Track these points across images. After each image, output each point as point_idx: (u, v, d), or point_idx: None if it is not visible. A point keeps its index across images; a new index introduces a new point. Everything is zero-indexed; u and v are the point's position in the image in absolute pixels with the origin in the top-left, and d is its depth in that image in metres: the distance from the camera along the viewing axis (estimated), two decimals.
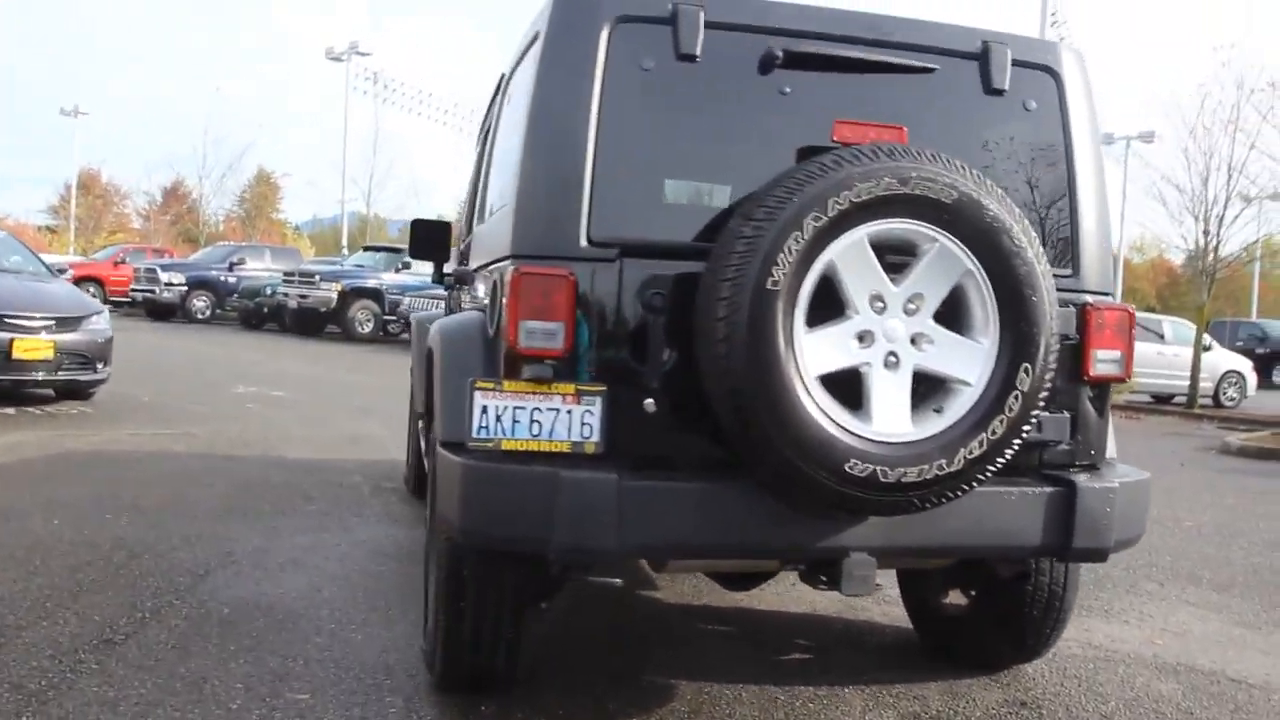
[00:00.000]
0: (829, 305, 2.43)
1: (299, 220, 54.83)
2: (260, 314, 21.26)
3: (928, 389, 2.50)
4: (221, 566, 4.26)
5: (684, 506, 2.53)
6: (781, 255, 2.33)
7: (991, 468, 2.48)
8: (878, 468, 2.38)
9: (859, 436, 2.39)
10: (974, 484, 2.49)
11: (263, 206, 49.86)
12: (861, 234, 2.41)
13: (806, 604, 4.12)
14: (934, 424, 2.46)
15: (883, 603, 4.18)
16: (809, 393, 2.37)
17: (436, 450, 2.74)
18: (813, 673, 3.39)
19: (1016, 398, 2.46)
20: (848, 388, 2.45)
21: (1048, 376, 2.50)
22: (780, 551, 2.65)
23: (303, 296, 19.52)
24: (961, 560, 3.01)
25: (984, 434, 2.45)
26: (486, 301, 2.82)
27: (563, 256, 2.56)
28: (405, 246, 23.86)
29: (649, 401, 2.58)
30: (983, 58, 2.84)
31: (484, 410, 2.50)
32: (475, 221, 4.20)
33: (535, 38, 2.81)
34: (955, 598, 3.51)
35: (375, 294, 20.03)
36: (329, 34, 64.41)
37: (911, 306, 2.47)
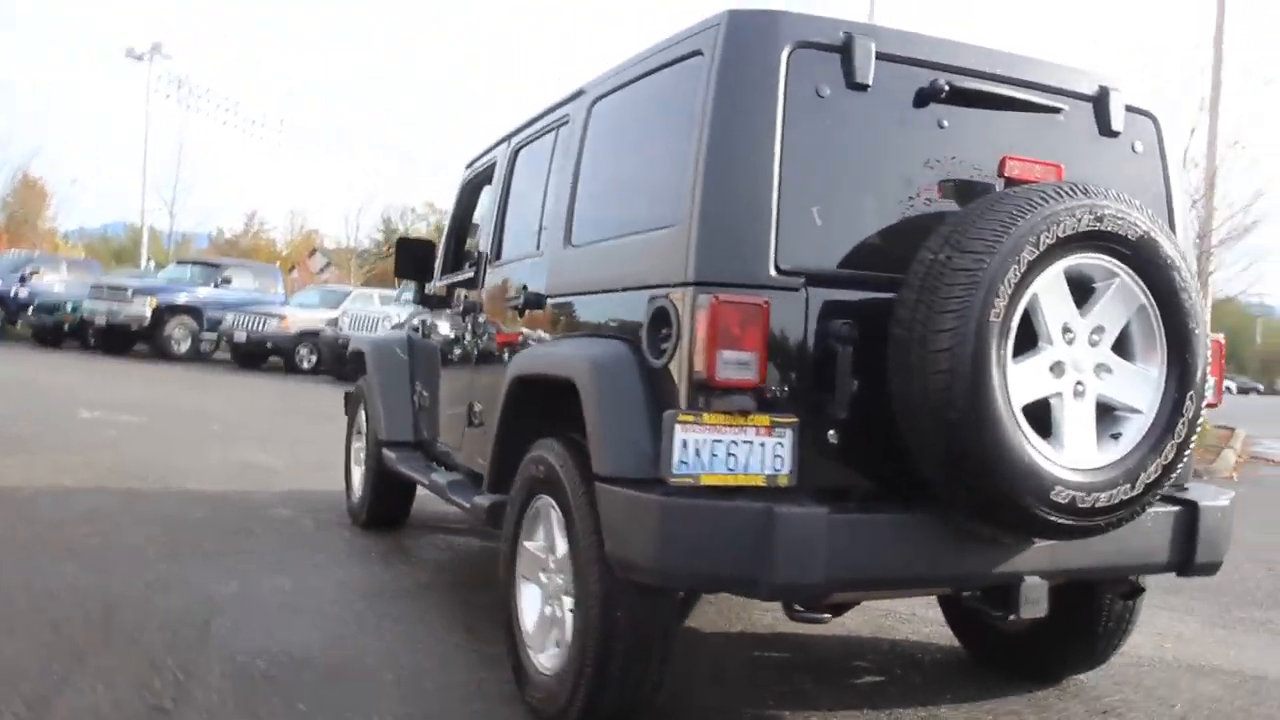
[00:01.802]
0: (1025, 336, 2.49)
1: (64, 229, 50.51)
2: (59, 331, 19.53)
3: (1103, 417, 2.60)
4: (215, 614, 3.88)
5: (882, 539, 2.52)
6: (1001, 287, 2.36)
7: (1160, 491, 2.60)
8: (1077, 494, 2.45)
9: (1057, 464, 2.46)
10: (1147, 507, 2.60)
11: (28, 214, 45.73)
12: (1060, 267, 2.48)
13: (823, 628, 4.16)
14: (1114, 451, 2.55)
15: (908, 621, 4.28)
16: (1017, 423, 2.41)
17: (597, 487, 2.61)
18: (898, 695, 3.42)
19: (1183, 424, 2.59)
20: (1036, 417, 2.51)
21: (1203, 403, 2.65)
22: (963, 579, 2.68)
23: (113, 312, 18.08)
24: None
25: (1158, 459, 2.56)
26: (639, 328, 2.70)
27: (753, 285, 2.50)
28: (222, 260, 22.66)
29: (831, 432, 2.56)
30: (1099, 100, 2.98)
31: (684, 444, 2.41)
32: (504, 245, 4.04)
33: (689, 55, 2.74)
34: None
35: (193, 310, 18.82)
36: (131, 29, 59.39)
37: (1095, 338, 2.56)
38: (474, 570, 4.91)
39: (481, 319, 4.03)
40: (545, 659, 3.03)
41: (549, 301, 3.36)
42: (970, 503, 2.46)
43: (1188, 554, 2.86)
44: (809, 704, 3.31)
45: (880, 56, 2.66)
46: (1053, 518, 2.44)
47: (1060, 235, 2.43)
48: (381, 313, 17.05)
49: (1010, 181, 2.69)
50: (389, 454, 5.09)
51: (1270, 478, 12.12)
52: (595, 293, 3.04)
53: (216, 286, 19.44)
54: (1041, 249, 2.41)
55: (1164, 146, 3.11)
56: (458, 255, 4.93)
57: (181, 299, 18.91)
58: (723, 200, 2.54)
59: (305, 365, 18.45)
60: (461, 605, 4.23)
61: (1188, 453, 2.62)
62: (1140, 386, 2.59)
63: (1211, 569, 2.93)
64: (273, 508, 6.06)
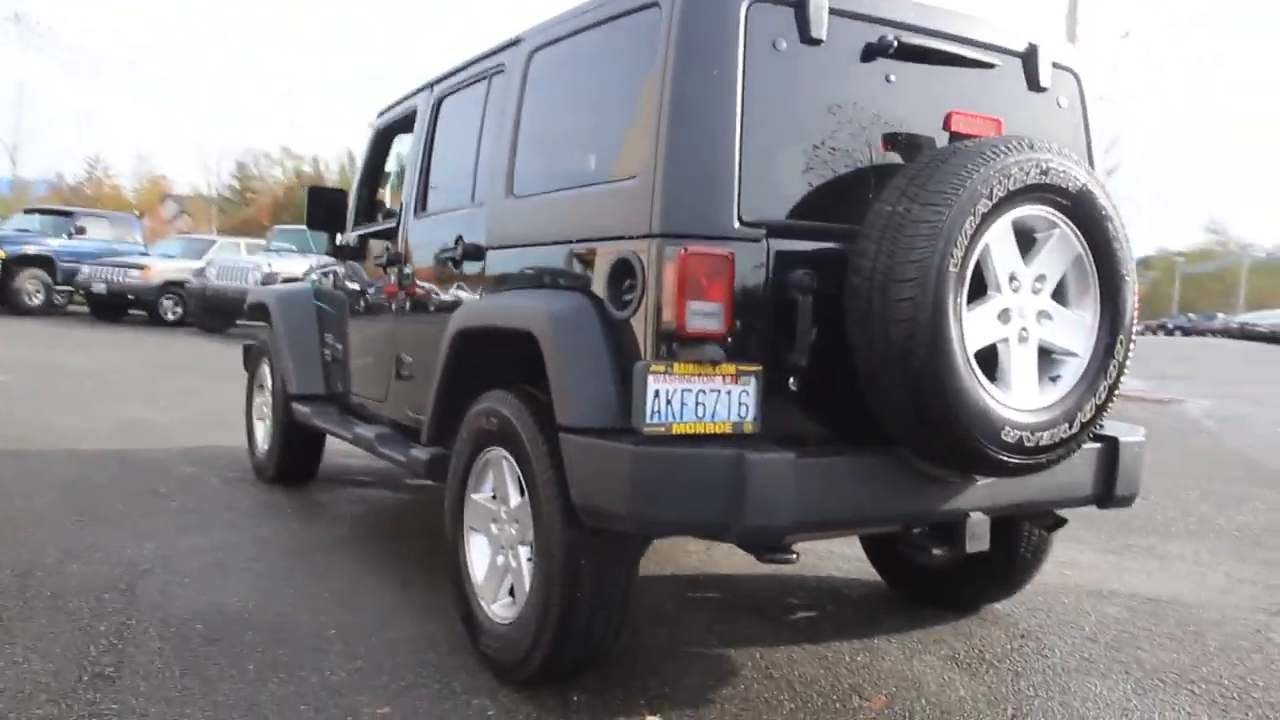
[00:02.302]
0: (975, 285, 2.60)
1: None
2: None
3: (1042, 360, 2.74)
4: (138, 578, 3.77)
5: (843, 481, 2.61)
6: (959, 238, 2.46)
7: (1094, 429, 2.78)
8: (1023, 434, 2.59)
9: (1005, 407, 2.59)
10: (1082, 444, 2.77)
11: None
12: (1009, 219, 2.59)
13: (750, 566, 4.30)
14: (1054, 392, 2.70)
15: (827, 559, 4.46)
16: (972, 369, 2.53)
17: (562, 438, 2.63)
18: (833, 630, 3.57)
19: (1114, 365, 2.76)
20: (983, 361, 2.63)
21: (1131, 346, 2.82)
22: (914, 517, 2.80)
23: None
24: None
25: (1093, 399, 2.73)
26: (598, 279, 2.71)
27: (718, 236, 2.53)
28: (75, 209, 21.37)
29: (791, 380, 2.63)
30: (1028, 56, 3.10)
31: (656, 394, 2.45)
32: (429, 196, 3.97)
33: (643, 7, 2.73)
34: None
35: (46, 262, 17.79)
36: None
37: (1038, 285, 2.69)
38: (393, 523, 4.87)
39: (408, 270, 3.96)
40: (499, 608, 3.06)
41: (489, 253, 3.34)
42: (927, 445, 2.57)
43: (1109, 487, 3.06)
44: (750, 641, 3.43)
45: (832, 11, 2.71)
46: (1002, 457, 2.57)
47: (1010, 188, 2.53)
48: (251, 263, 16.45)
49: (955, 136, 2.78)
50: (300, 408, 4.98)
51: (1127, 411, 12.90)
52: (544, 244, 3.03)
53: (70, 237, 18.37)
54: (994, 201, 2.51)
55: (1085, 101, 3.26)
56: (370, 205, 4.82)
57: (31, 250, 17.83)
58: (687, 154, 2.56)
59: (170, 317, 17.69)
60: (390, 558, 4.21)
61: (1117, 392, 2.80)
62: (1077, 331, 2.75)
63: (1128, 501, 3.14)
64: (175, 465, 5.87)
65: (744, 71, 2.59)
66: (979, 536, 2.81)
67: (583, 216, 2.86)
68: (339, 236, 4.75)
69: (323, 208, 4.67)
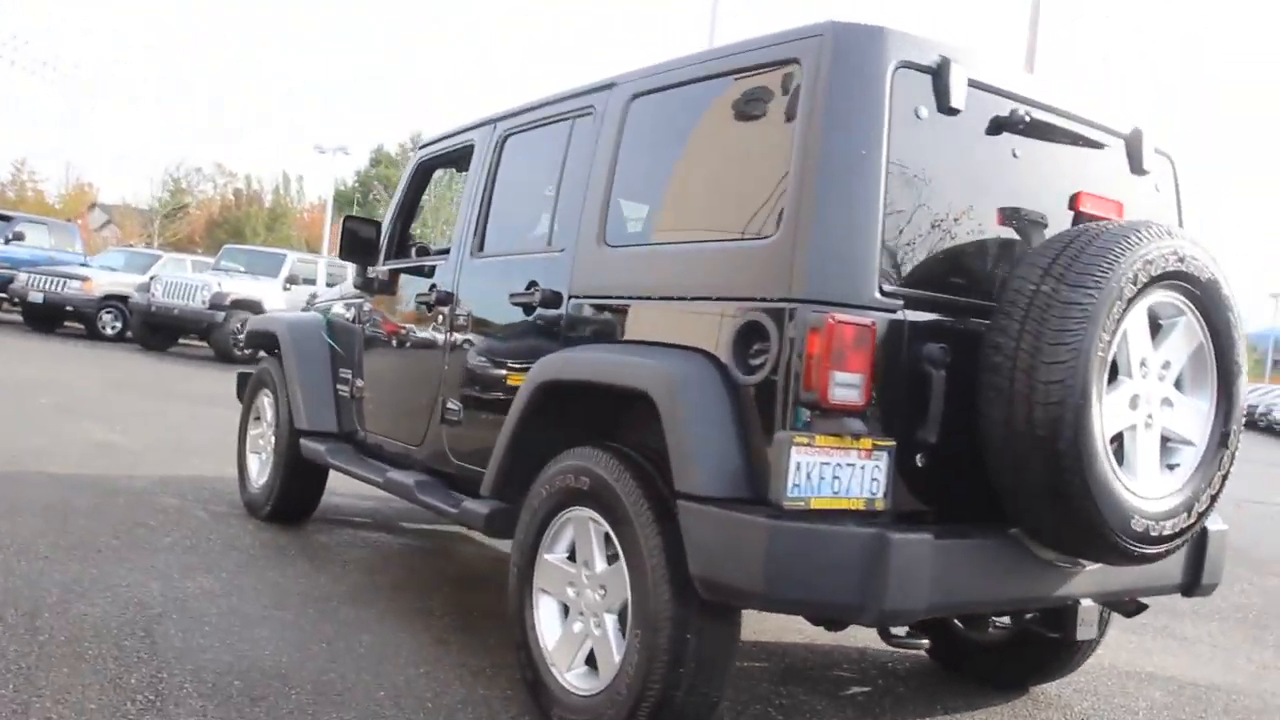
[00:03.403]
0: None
1: None
2: None
3: (1160, 448, 2.71)
4: (155, 623, 3.52)
5: (971, 563, 2.54)
6: (1107, 322, 2.42)
7: (1207, 519, 2.75)
8: (1150, 523, 2.55)
9: (1134, 495, 2.54)
10: (1194, 534, 2.74)
11: None
12: (1145, 304, 2.56)
13: (783, 633, 4.20)
14: (1173, 481, 2.67)
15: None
16: (1108, 455, 2.48)
17: (683, 505, 2.51)
18: (893, 706, 3.47)
19: (1227, 455, 2.74)
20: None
21: (1240, 435, 2.81)
22: (1030, 601, 2.73)
23: None
24: None
25: (1208, 489, 2.70)
26: (720, 341, 2.61)
27: (860, 306, 2.46)
28: (15, 214, 20.56)
29: (919, 456, 2.55)
30: (1133, 140, 3.10)
31: (798, 466, 2.35)
32: (488, 236, 3.84)
33: (780, 63, 2.66)
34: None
35: None
36: None
37: (1163, 372, 2.66)
38: (408, 572, 4.65)
39: (461, 312, 3.81)
40: (575, 678, 2.91)
41: (573, 302, 3.21)
42: (1056, 530, 2.51)
43: (1196, 576, 3.03)
44: (810, 715, 3.31)
45: (969, 83, 2.67)
46: (1128, 545, 2.52)
47: (1152, 274, 2.51)
48: (200, 281, 15.95)
49: (1081, 216, 2.76)
50: (311, 445, 4.76)
51: None
52: (647, 298, 2.92)
53: (7, 242, 17.68)
54: (1138, 287, 2.48)
55: (1179, 187, 3.27)
56: (404, 239, 4.65)
57: None
58: (833, 217, 2.48)
59: (109, 331, 17.05)
60: (417, 612, 4.00)
61: (1227, 483, 2.78)
62: (1194, 419, 2.72)
63: (1211, 590, 3.12)
64: (155, 495, 5.57)
65: (888, 137, 2.53)
66: (1089, 624, 2.76)
67: (700, 273, 2.76)
68: (370, 270, 4.56)
69: (356, 239, 4.49)
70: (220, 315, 15.36)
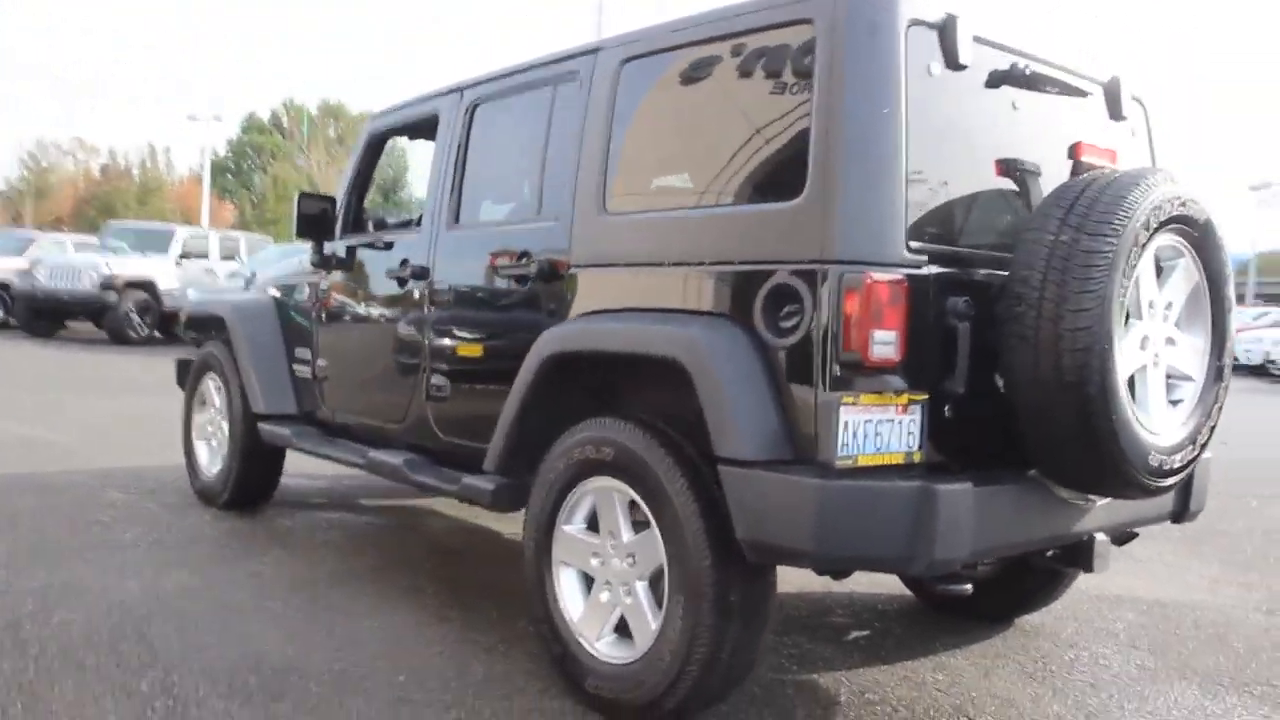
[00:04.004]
0: None
1: None
2: None
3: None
4: (146, 625, 3.40)
5: (1006, 508, 2.61)
6: (1125, 267, 2.50)
7: (1205, 450, 2.88)
8: (1164, 458, 2.66)
9: (1149, 431, 2.65)
10: (1195, 466, 2.87)
11: None
12: (1153, 248, 2.65)
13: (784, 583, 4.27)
14: (1178, 416, 2.79)
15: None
16: (1129, 396, 2.58)
17: (725, 470, 2.52)
18: (896, 647, 3.57)
19: (1222, 388, 2.88)
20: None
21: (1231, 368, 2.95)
22: (1053, 540, 2.83)
23: None
24: None
25: (1208, 421, 2.83)
26: (747, 304, 2.62)
27: (891, 264, 2.48)
28: None
29: (947, 407, 2.61)
30: (1111, 87, 3.19)
31: (846, 426, 2.39)
32: (462, 207, 3.75)
33: (791, 22, 2.65)
34: None
35: None
36: None
37: (1166, 312, 2.77)
38: (382, 552, 4.57)
39: (442, 286, 3.71)
40: (606, 646, 2.91)
41: (575, 272, 3.16)
42: (1082, 471, 2.60)
43: (1185, 504, 3.18)
44: (827, 664, 3.39)
45: (973, 38, 2.71)
46: (1145, 480, 2.63)
47: (1160, 219, 2.60)
48: (87, 263, 15.24)
49: (1081, 165, 2.83)
50: (272, 429, 4.62)
51: None
52: (658, 265, 2.89)
53: None
54: (1149, 232, 2.57)
55: (1151, 131, 3.38)
56: (359, 214, 4.51)
57: None
58: (860, 177, 2.50)
59: None
60: (407, 592, 3.94)
61: (1222, 413, 2.92)
62: (1192, 356, 2.84)
63: (1196, 516, 3.28)
64: (100, 490, 5.36)
65: (905, 95, 2.55)
66: (1104, 556, 2.88)
67: (718, 238, 2.75)
68: (326, 246, 4.41)
69: (311, 216, 4.33)
70: (112, 296, 14.73)
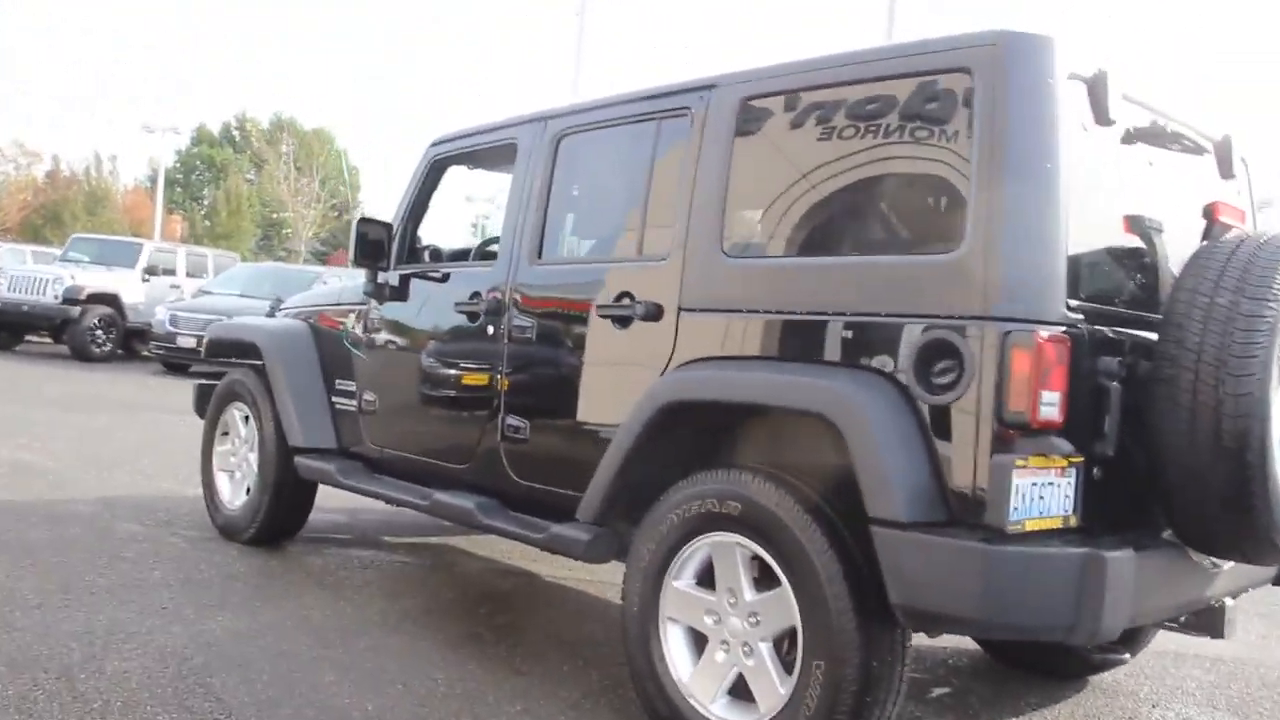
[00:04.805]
0: None
1: None
2: None
3: None
4: (204, 675, 3.21)
5: (1157, 574, 2.55)
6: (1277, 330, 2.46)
7: None
8: None
9: None
10: None
11: None
12: None
13: None
14: None
15: None
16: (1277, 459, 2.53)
17: (880, 532, 2.42)
18: (982, 706, 3.50)
19: None
20: None
21: None
22: (1189, 605, 2.77)
23: None
24: None
25: None
26: (895, 358, 2.53)
27: (1053, 322, 2.42)
28: None
29: (1096, 469, 2.54)
30: (1222, 146, 3.18)
31: (1017, 489, 2.31)
32: (546, 242, 3.62)
33: (945, 71, 2.58)
34: None
35: None
36: None
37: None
38: (427, 595, 4.39)
39: (522, 324, 3.57)
40: (720, 709, 2.80)
41: (687, 315, 3.04)
42: (1230, 536, 2.54)
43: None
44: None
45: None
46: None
47: None
48: (51, 274, 14.75)
49: (1218, 225, 2.80)
50: (312, 464, 4.44)
51: None
52: (789, 314, 2.79)
53: None
54: None
55: (1252, 191, 3.38)
56: (414, 243, 4.36)
57: None
58: (1023, 231, 2.43)
59: None
60: (468, 640, 3.78)
61: None
62: None
63: None
64: (112, 521, 5.12)
65: (1063, 149, 2.50)
66: (1233, 623, 2.83)
67: (860, 287, 2.66)
68: (380, 275, 4.25)
69: (366, 241, 4.17)
70: (75, 311, 14.27)
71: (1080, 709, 3.54)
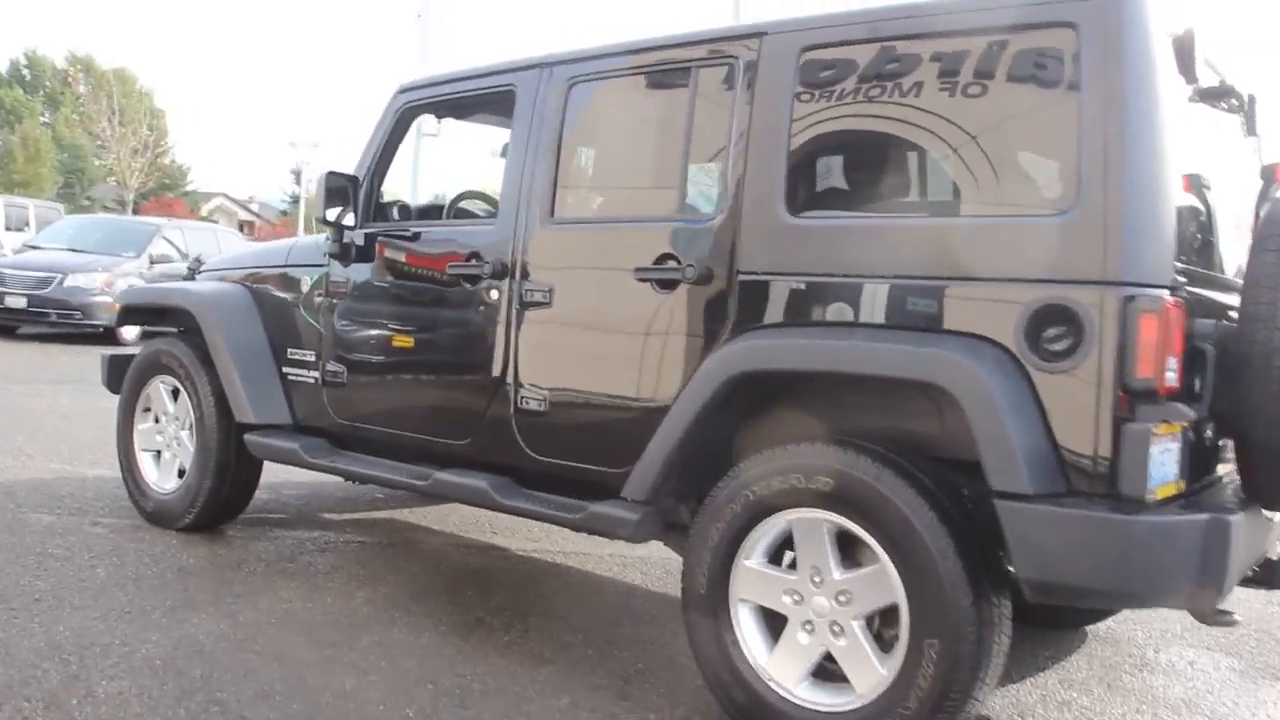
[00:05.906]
0: None
1: None
2: None
3: None
4: (204, 688, 2.89)
5: (1248, 535, 2.56)
6: None
7: None
8: None
9: None
10: None
11: None
12: None
13: None
14: None
15: None
16: None
17: (1007, 506, 2.33)
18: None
19: None
20: None
21: None
22: (1258, 559, 2.81)
23: None
24: None
25: None
26: (1006, 325, 2.44)
27: (1167, 286, 2.37)
28: None
29: (1192, 433, 2.54)
30: (1250, 103, 3.21)
31: (1153, 457, 2.26)
32: (558, 200, 3.35)
33: (1049, 24, 2.47)
34: None
35: None
36: None
37: None
38: (402, 577, 4.09)
39: (536, 288, 3.30)
40: (806, 691, 2.69)
41: (745, 279, 2.86)
42: None
43: None
44: None
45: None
46: None
47: None
48: None
49: (1272, 186, 2.82)
50: (271, 442, 4.07)
51: None
52: (873, 278, 2.65)
53: None
54: None
55: (1261, 141, 3.44)
56: (378, 199, 3.99)
57: None
58: (1141, 192, 2.36)
59: None
60: (475, 627, 3.54)
61: None
62: None
63: None
64: (17, 512, 4.60)
65: (1165, 108, 2.44)
66: None
67: (960, 250, 2.53)
68: (345, 234, 3.87)
69: (334, 196, 3.78)
70: None
71: (1095, 659, 3.62)
